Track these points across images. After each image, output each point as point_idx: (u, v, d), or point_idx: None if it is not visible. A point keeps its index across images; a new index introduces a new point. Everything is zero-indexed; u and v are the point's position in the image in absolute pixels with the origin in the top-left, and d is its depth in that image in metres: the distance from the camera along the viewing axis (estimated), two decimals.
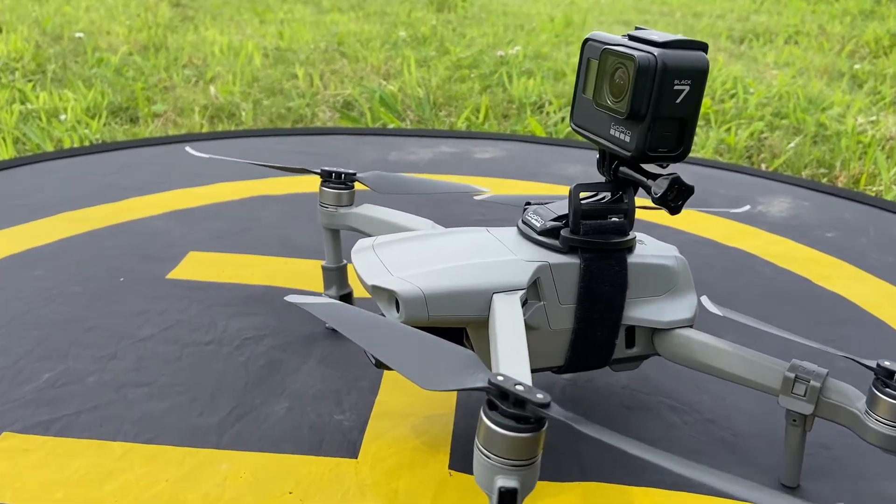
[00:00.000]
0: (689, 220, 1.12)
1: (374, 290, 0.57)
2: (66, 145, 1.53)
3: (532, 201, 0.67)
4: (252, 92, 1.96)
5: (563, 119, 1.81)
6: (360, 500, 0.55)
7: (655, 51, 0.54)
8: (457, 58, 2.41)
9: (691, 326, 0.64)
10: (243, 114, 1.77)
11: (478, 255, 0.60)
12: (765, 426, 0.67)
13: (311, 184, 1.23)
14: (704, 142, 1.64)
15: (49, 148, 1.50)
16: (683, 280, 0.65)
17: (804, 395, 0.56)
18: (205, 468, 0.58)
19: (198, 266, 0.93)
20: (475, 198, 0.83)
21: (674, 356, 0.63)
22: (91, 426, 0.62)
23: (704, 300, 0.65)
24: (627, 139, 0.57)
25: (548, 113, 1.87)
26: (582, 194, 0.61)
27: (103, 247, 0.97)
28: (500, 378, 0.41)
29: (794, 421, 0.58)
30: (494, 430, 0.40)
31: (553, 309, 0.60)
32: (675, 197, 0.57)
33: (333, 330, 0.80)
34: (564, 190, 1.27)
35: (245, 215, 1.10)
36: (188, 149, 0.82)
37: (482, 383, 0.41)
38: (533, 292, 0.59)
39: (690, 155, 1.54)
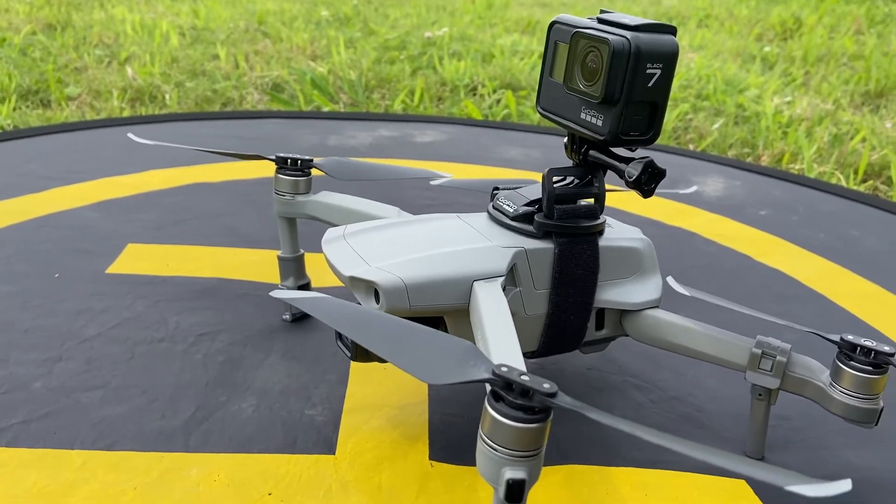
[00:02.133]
0: (632, 200, 1.14)
1: (352, 281, 0.55)
2: None
3: (500, 186, 0.67)
4: (173, 73, 1.87)
5: (498, 101, 1.81)
6: (343, 498, 0.54)
7: (628, 34, 0.54)
8: (384, 39, 2.37)
9: (658, 307, 0.65)
10: (167, 97, 1.69)
11: (454, 243, 0.59)
12: (726, 400, 0.69)
13: (250, 170, 1.19)
14: None
15: None
16: (649, 261, 0.66)
17: (770, 371, 0.58)
18: (174, 473, 0.55)
19: (138, 259, 0.88)
20: (431, 182, 0.82)
21: (643, 336, 0.64)
22: (44, 435, 0.58)
23: (670, 280, 0.66)
24: (600, 123, 0.57)
25: (482, 95, 1.86)
26: (554, 178, 0.61)
27: (31, 241, 0.91)
28: (504, 369, 0.40)
29: (760, 395, 0.60)
30: (501, 421, 0.39)
31: (528, 295, 0.60)
32: (648, 180, 0.58)
33: (293, 321, 0.77)
34: (510, 173, 1.27)
35: (182, 204, 1.05)
36: (131, 135, 0.77)
37: (486, 374, 0.40)
38: (509, 279, 0.59)
39: None
